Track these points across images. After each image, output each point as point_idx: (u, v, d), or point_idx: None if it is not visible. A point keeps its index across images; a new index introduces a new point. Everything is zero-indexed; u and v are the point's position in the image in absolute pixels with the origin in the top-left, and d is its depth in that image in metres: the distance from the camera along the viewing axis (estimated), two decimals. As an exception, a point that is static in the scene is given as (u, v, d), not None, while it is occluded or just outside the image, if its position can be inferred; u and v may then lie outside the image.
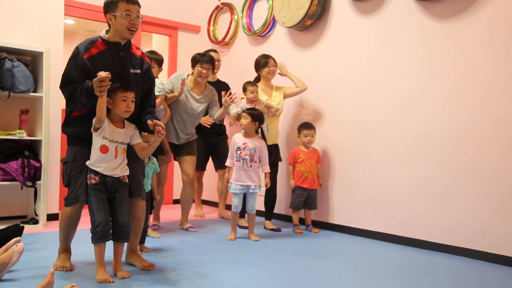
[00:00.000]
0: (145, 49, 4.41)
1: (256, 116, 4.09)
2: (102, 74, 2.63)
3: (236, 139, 4.15)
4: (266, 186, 4.22)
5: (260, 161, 4.15)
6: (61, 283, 2.51)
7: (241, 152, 4.08)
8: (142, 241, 3.49)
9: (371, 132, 4.31)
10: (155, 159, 3.54)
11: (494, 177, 3.49)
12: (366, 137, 4.35)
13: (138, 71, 3.00)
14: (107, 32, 2.95)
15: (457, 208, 3.68)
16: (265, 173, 4.18)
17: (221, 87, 4.94)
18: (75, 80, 2.82)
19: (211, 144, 5.00)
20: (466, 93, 3.66)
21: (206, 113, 4.52)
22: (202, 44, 6.23)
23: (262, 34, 5.47)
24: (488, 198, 3.51)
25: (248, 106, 4.29)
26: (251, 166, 4.08)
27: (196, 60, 4.29)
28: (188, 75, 4.41)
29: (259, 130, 4.23)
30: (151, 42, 7.14)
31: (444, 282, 2.96)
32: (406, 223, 4.00)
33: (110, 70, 2.69)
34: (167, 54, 6.25)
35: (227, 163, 4.19)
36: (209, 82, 4.60)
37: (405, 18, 4.06)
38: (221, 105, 4.45)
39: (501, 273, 3.20)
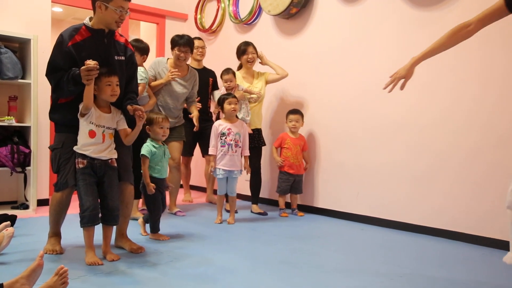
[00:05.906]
0: (132, 37, 4.43)
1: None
2: (91, 63, 2.63)
3: (219, 126, 4.14)
4: (245, 170, 4.24)
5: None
6: (51, 266, 2.55)
7: (226, 138, 4.10)
8: (155, 230, 3.54)
9: (354, 118, 4.39)
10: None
11: (471, 162, 3.59)
12: (349, 123, 4.43)
13: (122, 57, 3.00)
14: (90, 19, 2.92)
15: (436, 191, 3.78)
16: (245, 157, 4.23)
17: (207, 74, 4.99)
18: (61, 68, 2.82)
19: (198, 130, 5.03)
20: (444, 80, 3.74)
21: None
22: (189, 32, 6.18)
23: (248, 22, 5.51)
24: (466, 182, 3.61)
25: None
26: (235, 151, 4.12)
27: (174, 42, 4.30)
28: (168, 58, 4.41)
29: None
30: (139, 30, 7.14)
31: (424, 262, 3.04)
32: (387, 206, 4.10)
33: (94, 57, 2.69)
34: (155, 42, 6.26)
35: (211, 152, 4.14)
36: (195, 70, 4.63)
37: (387, 6, 4.13)
38: (207, 93, 4.44)
39: (478, 253, 3.31)
